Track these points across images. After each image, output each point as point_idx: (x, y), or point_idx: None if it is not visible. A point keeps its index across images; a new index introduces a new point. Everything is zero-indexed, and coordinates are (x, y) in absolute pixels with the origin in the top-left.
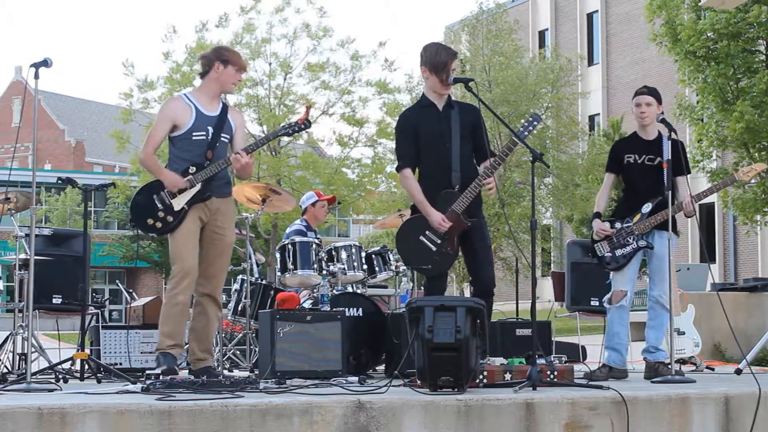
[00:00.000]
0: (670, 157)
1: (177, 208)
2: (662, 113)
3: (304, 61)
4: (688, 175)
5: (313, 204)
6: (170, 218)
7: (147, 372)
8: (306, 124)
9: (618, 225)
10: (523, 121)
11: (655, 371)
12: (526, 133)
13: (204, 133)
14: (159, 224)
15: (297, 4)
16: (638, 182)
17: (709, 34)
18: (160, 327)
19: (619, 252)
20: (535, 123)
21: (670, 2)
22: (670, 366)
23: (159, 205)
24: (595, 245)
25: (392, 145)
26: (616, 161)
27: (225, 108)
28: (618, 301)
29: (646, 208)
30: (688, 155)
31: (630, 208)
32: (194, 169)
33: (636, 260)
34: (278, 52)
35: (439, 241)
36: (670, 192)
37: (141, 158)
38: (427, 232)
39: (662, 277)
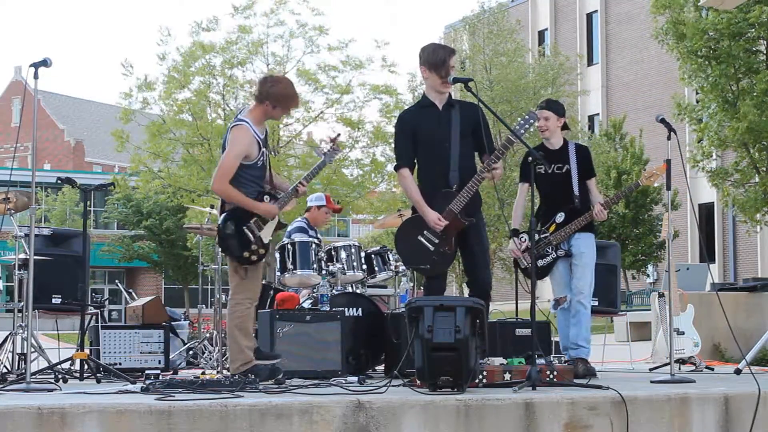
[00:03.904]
0: (670, 158)
1: (266, 240)
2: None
3: (300, 62)
4: (687, 175)
5: (318, 207)
6: (262, 251)
7: (147, 372)
8: (335, 150)
9: (535, 236)
10: (519, 119)
11: (574, 367)
12: (522, 131)
13: (262, 158)
14: (254, 257)
15: (291, 6)
16: (550, 191)
17: (710, 34)
18: (244, 342)
19: (540, 263)
20: (531, 121)
21: (675, 0)
22: (589, 363)
23: (251, 237)
24: (518, 258)
25: (391, 146)
26: (528, 172)
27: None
28: (561, 305)
29: (560, 217)
30: (687, 155)
31: (545, 217)
32: (268, 198)
33: (562, 266)
34: (276, 52)
35: (437, 241)
36: (670, 192)
37: (220, 190)
38: (425, 232)
39: (583, 275)
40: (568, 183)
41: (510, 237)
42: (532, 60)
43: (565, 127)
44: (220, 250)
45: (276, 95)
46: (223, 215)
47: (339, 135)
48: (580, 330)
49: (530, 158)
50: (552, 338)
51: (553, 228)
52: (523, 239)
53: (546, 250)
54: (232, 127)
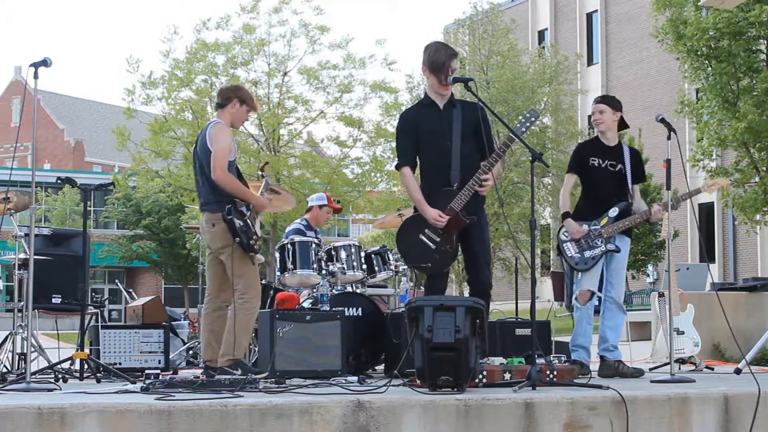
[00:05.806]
0: (670, 158)
1: (258, 233)
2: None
3: (302, 61)
4: (687, 175)
5: (320, 206)
6: (260, 241)
7: (147, 372)
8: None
9: (586, 227)
10: (520, 117)
11: (615, 370)
12: (524, 129)
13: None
14: (256, 246)
15: (294, 5)
16: (601, 186)
17: (711, 33)
18: (243, 339)
19: (588, 253)
20: (533, 119)
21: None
22: (627, 364)
23: (253, 228)
24: (563, 245)
25: (391, 145)
26: (579, 162)
27: None
28: (585, 301)
29: (614, 212)
30: (687, 154)
31: (593, 210)
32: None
33: (602, 262)
34: (278, 51)
35: (438, 239)
36: (670, 191)
37: (222, 178)
38: (426, 231)
39: (620, 279)
40: (622, 181)
41: (563, 219)
42: (529, 59)
43: (622, 123)
44: (230, 240)
45: (241, 95)
46: (227, 207)
47: (267, 163)
48: (617, 333)
49: (532, 159)
50: (552, 338)
51: (605, 222)
52: (583, 227)
53: (596, 242)
54: (210, 126)
